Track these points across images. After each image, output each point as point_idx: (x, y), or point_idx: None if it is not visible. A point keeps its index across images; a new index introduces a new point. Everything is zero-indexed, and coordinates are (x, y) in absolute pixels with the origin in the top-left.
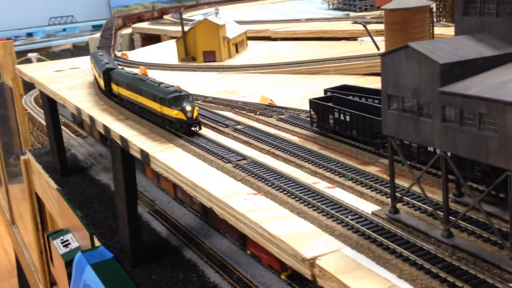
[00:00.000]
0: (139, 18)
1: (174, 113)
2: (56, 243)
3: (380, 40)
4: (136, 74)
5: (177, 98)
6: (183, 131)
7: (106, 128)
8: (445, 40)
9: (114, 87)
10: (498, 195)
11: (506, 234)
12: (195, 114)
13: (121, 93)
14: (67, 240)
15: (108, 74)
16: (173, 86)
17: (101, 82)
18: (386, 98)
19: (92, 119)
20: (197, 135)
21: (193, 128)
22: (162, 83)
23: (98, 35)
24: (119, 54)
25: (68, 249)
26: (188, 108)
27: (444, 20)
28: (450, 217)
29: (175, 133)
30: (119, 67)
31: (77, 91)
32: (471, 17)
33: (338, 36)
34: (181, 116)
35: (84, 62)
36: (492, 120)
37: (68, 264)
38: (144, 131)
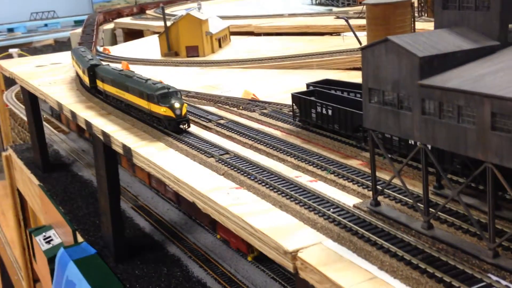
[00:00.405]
0: (119, 14)
1: (162, 110)
2: (39, 239)
3: (364, 36)
4: (122, 70)
5: (166, 95)
6: (171, 129)
7: (88, 124)
8: (425, 33)
9: (99, 84)
10: (477, 187)
11: (485, 226)
12: (184, 111)
13: (107, 90)
14: (49, 237)
15: (93, 71)
16: (161, 82)
17: (86, 79)
18: (367, 91)
19: (74, 114)
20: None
21: (181, 126)
22: (149, 79)
23: (79, 30)
24: (101, 49)
25: (50, 245)
26: (177, 105)
27: (426, 15)
28: (430, 209)
29: (157, 128)
30: (104, 63)
31: (58, 86)
32: (450, 11)
33: (321, 31)
34: (170, 113)
35: (65, 57)
36: (471, 112)
37: (51, 261)
38: (126, 126)
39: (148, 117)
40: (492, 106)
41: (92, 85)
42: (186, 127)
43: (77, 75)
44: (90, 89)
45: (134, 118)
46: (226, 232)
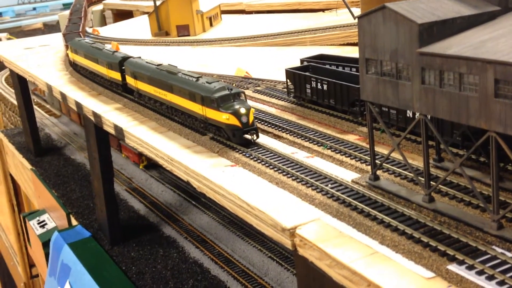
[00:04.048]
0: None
1: (223, 117)
2: (33, 223)
3: (358, 12)
4: (160, 64)
5: (227, 97)
6: (236, 140)
7: (78, 105)
8: (423, 0)
9: (130, 81)
10: (478, 159)
11: (489, 197)
12: (251, 118)
13: (141, 88)
14: (43, 221)
15: (122, 65)
16: (218, 80)
17: (115, 75)
18: (364, 62)
19: (64, 96)
20: None
21: (248, 136)
22: (200, 76)
23: (68, 12)
24: (90, 30)
25: (45, 229)
26: (243, 110)
27: None
28: (431, 182)
29: (149, 107)
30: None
31: (47, 68)
32: None
33: (314, 8)
34: (234, 121)
35: (53, 39)
36: (473, 80)
37: (45, 245)
38: (117, 106)
39: (201, 125)
40: (495, 72)
41: (124, 82)
42: (255, 138)
43: (80, 71)
44: (118, 87)
45: (180, 124)
46: (126, 150)
